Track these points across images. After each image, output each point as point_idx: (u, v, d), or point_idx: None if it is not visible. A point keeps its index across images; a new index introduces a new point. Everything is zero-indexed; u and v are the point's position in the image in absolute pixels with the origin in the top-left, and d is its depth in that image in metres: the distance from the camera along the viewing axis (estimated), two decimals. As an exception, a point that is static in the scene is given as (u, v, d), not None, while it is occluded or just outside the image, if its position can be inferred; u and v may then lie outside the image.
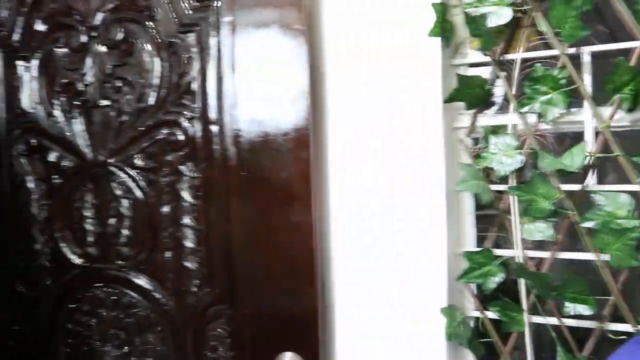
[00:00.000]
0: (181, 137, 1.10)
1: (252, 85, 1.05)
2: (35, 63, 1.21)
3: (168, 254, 1.12)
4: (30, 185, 1.21)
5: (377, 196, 1.03)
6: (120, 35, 1.14)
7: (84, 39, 1.17)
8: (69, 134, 1.18)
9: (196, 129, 1.09)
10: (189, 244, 1.11)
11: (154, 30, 1.12)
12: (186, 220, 1.11)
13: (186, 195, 1.10)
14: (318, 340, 1.04)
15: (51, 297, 1.22)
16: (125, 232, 1.15)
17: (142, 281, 1.15)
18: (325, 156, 1.07)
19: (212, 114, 1.08)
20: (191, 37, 1.10)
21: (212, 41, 1.08)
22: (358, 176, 1.05)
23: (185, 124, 1.10)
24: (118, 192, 1.15)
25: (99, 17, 1.15)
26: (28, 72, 1.21)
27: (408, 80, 0.99)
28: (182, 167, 1.11)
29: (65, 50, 1.19)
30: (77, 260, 1.19)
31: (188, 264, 1.11)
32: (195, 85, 1.09)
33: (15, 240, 1.23)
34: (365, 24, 1.02)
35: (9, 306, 1.24)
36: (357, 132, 1.04)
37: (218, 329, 1.11)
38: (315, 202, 1.02)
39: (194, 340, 1.13)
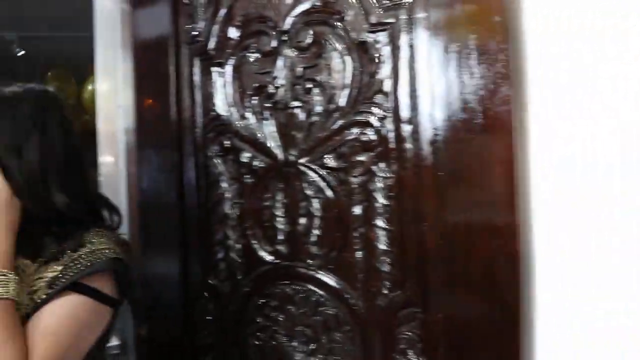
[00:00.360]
0: (373, 137, 1.10)
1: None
2: (228, 69, 1.27)
3: (359, 255, 1.12)
4: (224, 184, 1.28)
5: (588, 199, 0.94)
6: (309, 38, 1.17)
7: (274, 43, 1.21)
8: (260, 135, 1.23)
9: (388, 128, 1.08)
10: (380, 245, 1.10)
11: (343, 31, 1.13)
12: (378, 221, 1.09)
13: (378, 195, 1.09)
14: (519, 352, 0.97)
15: (241, 291, 1.27)
16: (315, 231, 1.17)
17: (331, 280, 1.16)
18: (527, 156, 1.00)
19: (405, 113, 1.06)
20: (382, 36, 1.08)
21: (404, 39, 1.06)
22: (565, 175, 0.96)
23: (377, 123, 1.09)
24: (309, 192, 1.18)
25: (288, 22, 1.19)
26: (222, 78, 1.28)
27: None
28: (374, 168, 1.10)
29: (256, 55, 1.24)
30: (267, 257, 1.24)
31: (379, 265, 1.10)
32: (387, 85, 1.08)
33: (209, 236, 1.30)
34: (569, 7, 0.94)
35: (203, 298, 1.32)
36: (564, 131, 0.96)
37: (409, 332, 1.08)
38: (519, 204, 0.96)
39: (382, 342, 1.12)
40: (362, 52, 1.11)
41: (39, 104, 0.96)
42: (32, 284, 0.91)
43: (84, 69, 3.58)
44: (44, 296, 0.88)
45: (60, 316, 0.88)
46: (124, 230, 1.40)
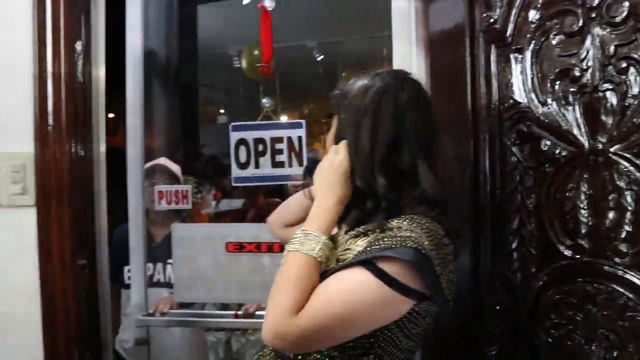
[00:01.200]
0: None
1: None
2: (527, 54, 1.23)
3: (680, 256, 0.97)
4: (521, 173, 1.25)
5: None
6: (624, 11, 1.05)
7: (581, 22, 1.12)
8: (562, 121, 1.16)
9: None
10: None
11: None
12: None
13: None
14: None
15: (535, 285, 1.23)
16: (626, 226, 1.06)
17: (644, 283, 1.03)
18: None
19: None
20: None
21: None
22: None
23: None
24: (620, 183, 1.07)
25: (598, -4, 1.09)
26: (520, 64, 1.25)
27: None
28: None
29: (560, 37, 1.17)
30: (566, 251, 1.17)
31: None
32: None
33: (503, 226, 1.29)
34: None
35: (493, 288, 1.32)
36: None
37: None
38: None
39: None
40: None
41: (381, 87, 1.01)
42: (339, 255, 0.99)
43: (376, 68, 3.91)
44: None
45: (340, 286, 0.90)
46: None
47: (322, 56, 5.03)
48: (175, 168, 2.16)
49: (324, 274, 0.93)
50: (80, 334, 1.36)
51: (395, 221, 0.95)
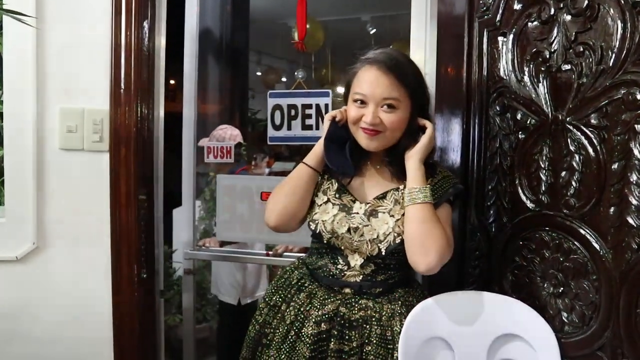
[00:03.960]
0: (639, 97, 1.13)
1: None
2: (511, 37, 1.44)
3: (612, 210, 1.19)
4: (500, 139, 1.48)
5: None
6: (584, 2, 1.25)
7: (552, 11, 1.32)
8: (534, 96, 1.38)
9: (655, 88, 1.10)
10: (634, 201, 1.14)
11: (619, -6, 1.17)
12: (634, 177, 1.14)
13: (637, 153, 1.13)
14: None
15: (507, 233, 1.46)
16: (574, 184, 1.28)
17: (583, 231, 1.26)
18: None
19: (676, 72, 1.06)
20: (660, -5, 1.09)
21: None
22: None
23: (644, 83, 1.12)
24: (572, 148, 1.28)
25: (568, -10, 1.28)
26: (505, 45, 1.46)
27: None
28: (637, 126, 1.13)
29: (535, 23, 1.38)
30: (530, 204, 1.39)
31: (631, 220, 1.14)
32: (659, 44, 1.09)
33: (485, 184, 1.52)
34: None
35: (476, 236, 1.56)
36: None
37: (657, 290, 1.11)
38: None
39: (627, 295, 1.17)
40: (637, 13, 1.14)
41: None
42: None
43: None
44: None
45: (448, 218, 1.34)
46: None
47: (375, 29, 5.19)
48: (236, 133, 2.50)
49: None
50: (138, 256, 1.74)
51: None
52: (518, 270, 1.44)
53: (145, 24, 1.74)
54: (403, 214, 1.30)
